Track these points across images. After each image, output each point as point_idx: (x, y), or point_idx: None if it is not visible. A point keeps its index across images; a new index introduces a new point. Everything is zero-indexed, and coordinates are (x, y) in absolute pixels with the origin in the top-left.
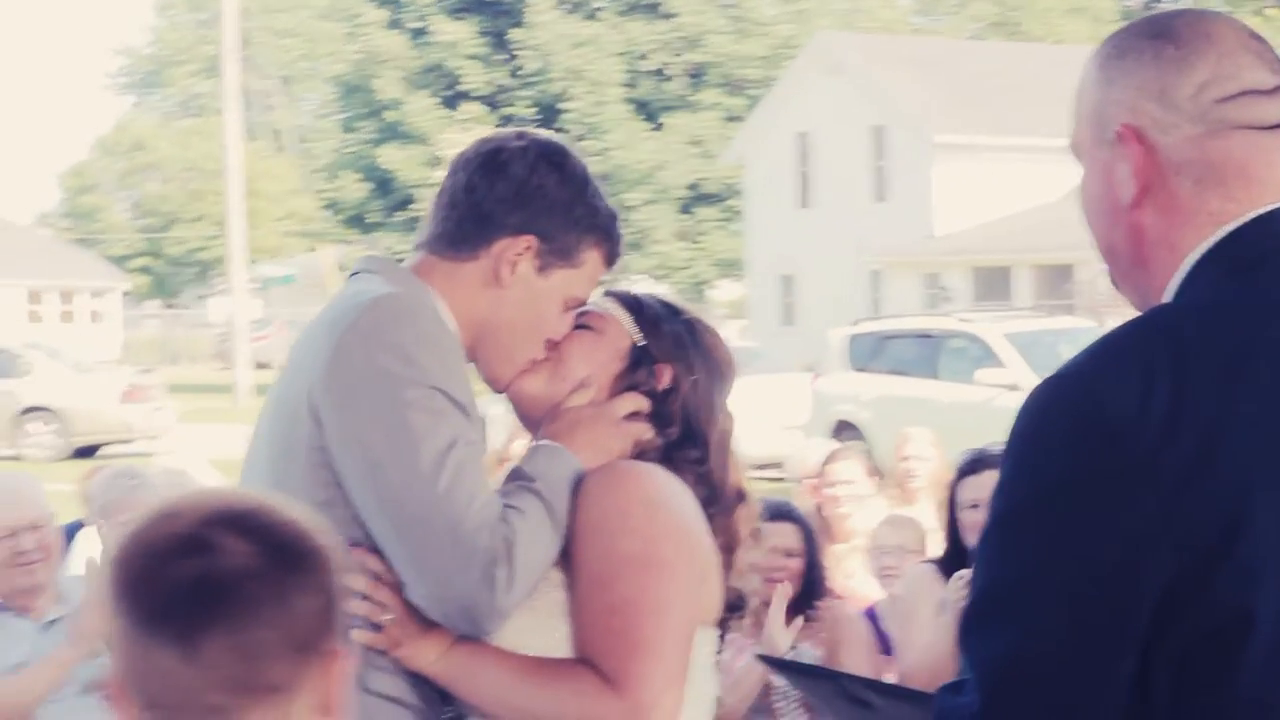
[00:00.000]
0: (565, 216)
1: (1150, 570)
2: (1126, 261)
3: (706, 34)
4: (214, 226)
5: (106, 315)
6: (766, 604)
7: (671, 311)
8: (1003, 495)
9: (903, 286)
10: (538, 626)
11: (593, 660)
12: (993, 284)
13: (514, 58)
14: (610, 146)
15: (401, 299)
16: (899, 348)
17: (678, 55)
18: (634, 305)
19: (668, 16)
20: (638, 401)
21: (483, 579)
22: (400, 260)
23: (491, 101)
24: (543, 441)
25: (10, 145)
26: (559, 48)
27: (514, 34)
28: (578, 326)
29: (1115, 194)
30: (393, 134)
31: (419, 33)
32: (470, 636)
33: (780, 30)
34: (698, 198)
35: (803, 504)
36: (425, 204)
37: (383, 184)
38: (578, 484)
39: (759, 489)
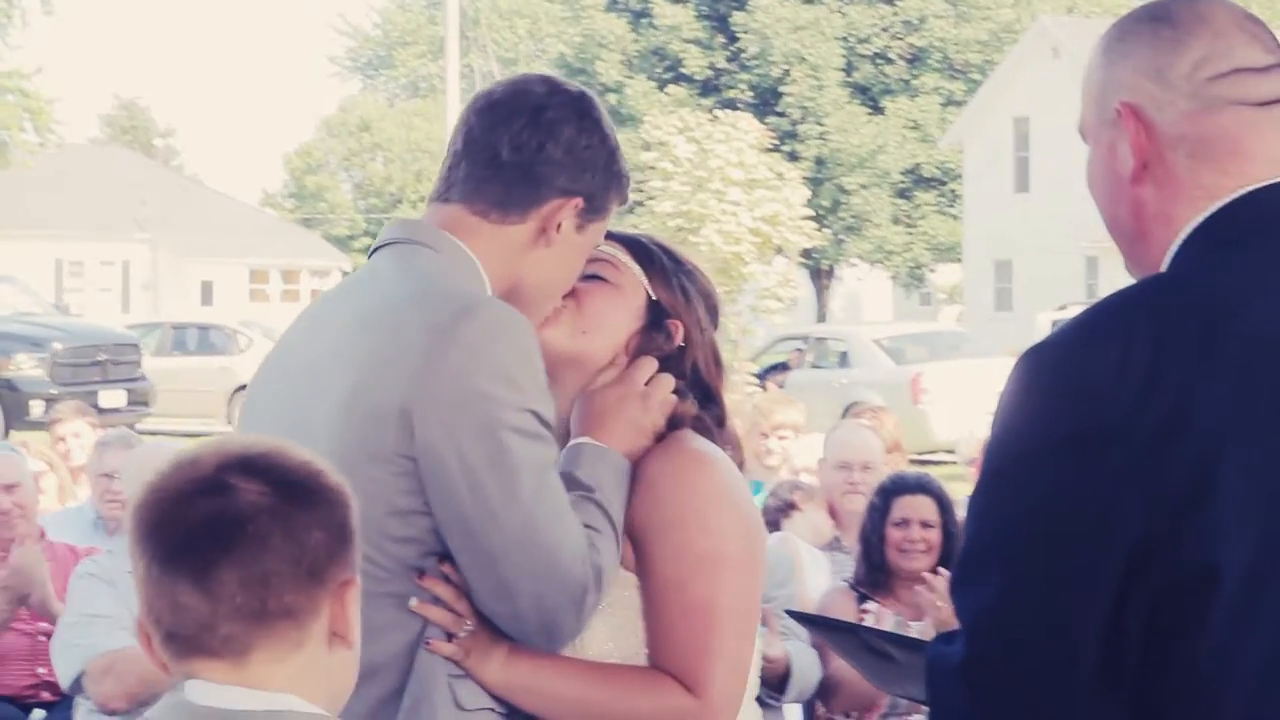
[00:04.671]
0: (606, 173)
1: (1123, 527)
2: (1130, 236)
3: (927, 18)
4: None
5: None
6: (904, 576)
7: (674, 260)
8: (989, 455)
9: (1119, 272)
10: (618, 631)
11: (666, 661)
12: None
13: (734, 41)
14: (829, 130)
15: (499, 311)
16: None
17: (898, 39)
18: (643, 254)
19: (889, 1)
20: (652, 366)
21: (574, 605)
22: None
23: (712, 85)
24: (584, 440)
25: (237, 126)
26: (779, 31)
27: (735, 18)
28: (592, 276)
29: (1117, 170)
30: (612, 117)
31: (640, 15)
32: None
33: (1001, 14)
34: (916, 182)
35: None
36: (637, 188)
37: None
38: (641, 473)
39: (938, 473)
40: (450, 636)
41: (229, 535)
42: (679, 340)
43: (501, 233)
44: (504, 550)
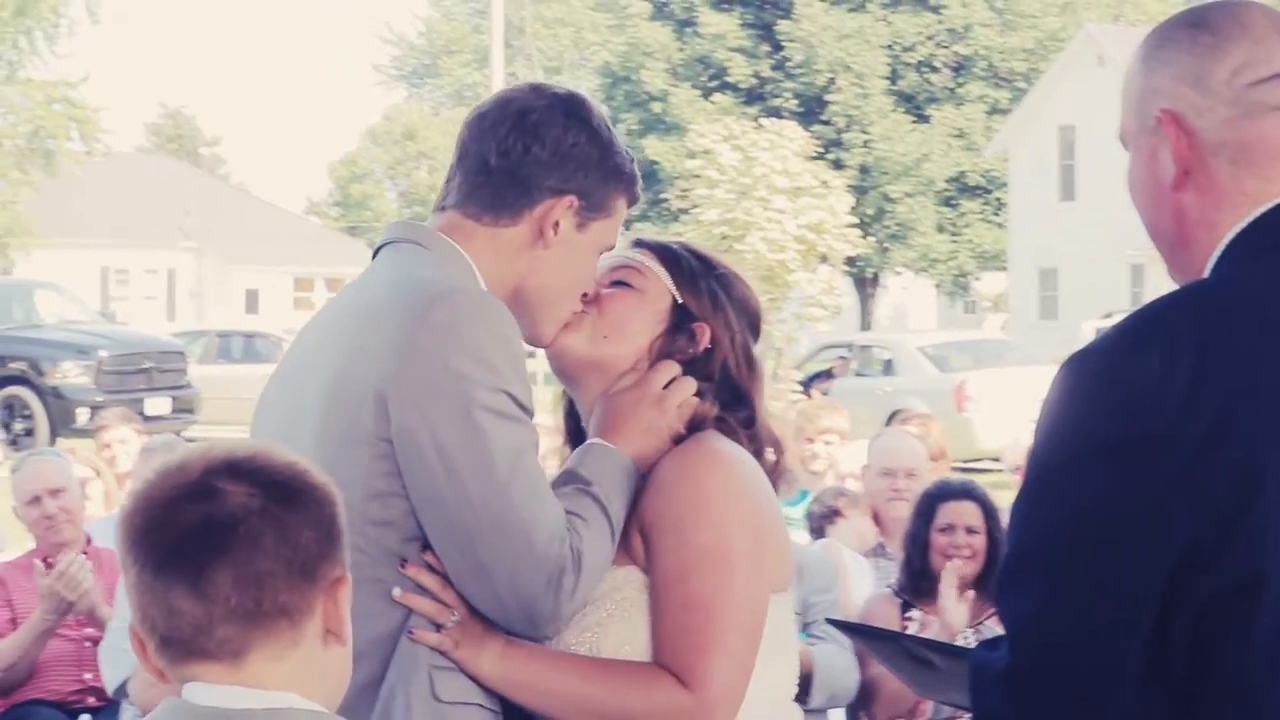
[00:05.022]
0: (599, 171)
1: (1169, 533)
2: (1171, 242)
3: (972, 26)
4: None
5: None
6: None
7: (706, 265)
8: (1032, 461)
9: (1165, 280)
10: (633, 631)
11: (665, 656)
12: None
13: (779, 49)
14: (874, 139)
15: (475, 295)
16: None
17: (943, 48)
18: (670, 259)
19: (934, 9)
20: (672, 370)
21: (550, 586)
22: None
23: (756, 94)
24: (594, 441)
25: (283, 135)
26: (824, 40)
27: (780, 26)
28: (617, 282)
29: (1158, 177)
30: (657, 125)
31: (685, 24)
32: (520, 639)
33: (1046, 23)
34: (961, 190)
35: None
36: (682, 196)
37: (645, 176)
38: (655, 472)
39: (982, 480)
40: (438, 626)
41: (221, 538)
42: (704, 343)
43: (496, 235)
44: (478, 531)
